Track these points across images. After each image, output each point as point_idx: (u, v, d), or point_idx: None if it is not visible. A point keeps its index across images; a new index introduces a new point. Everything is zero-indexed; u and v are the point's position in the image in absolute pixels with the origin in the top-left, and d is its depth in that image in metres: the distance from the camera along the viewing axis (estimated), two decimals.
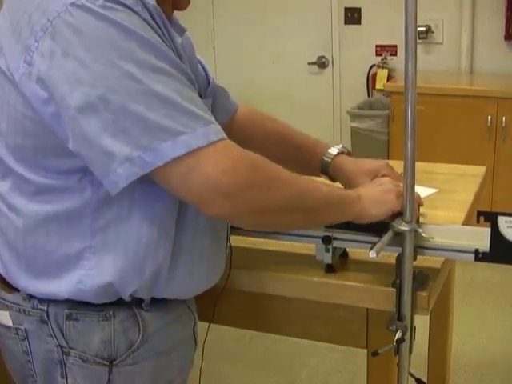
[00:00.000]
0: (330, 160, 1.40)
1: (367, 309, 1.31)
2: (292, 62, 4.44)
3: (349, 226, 1.28)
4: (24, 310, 1.13)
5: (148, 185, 1.03)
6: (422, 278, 1.24)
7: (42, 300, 1.12)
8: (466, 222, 1.52)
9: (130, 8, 0.98)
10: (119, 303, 1.11)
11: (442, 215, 1.51)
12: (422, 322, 1.46)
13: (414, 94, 1.09)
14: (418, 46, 1.09)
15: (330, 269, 1.31)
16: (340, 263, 1.33)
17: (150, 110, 0.95)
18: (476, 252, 1.20)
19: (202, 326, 1.31)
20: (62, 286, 1.09)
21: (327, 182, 1.40)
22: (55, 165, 1.05)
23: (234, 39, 4.52)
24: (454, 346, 2.21)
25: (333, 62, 4.38)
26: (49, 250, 1.08)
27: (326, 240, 1.28)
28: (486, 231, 1.19)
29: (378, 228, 1.23)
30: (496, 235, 1.18)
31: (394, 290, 1.21)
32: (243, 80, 4.32)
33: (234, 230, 1.28)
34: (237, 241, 1.32)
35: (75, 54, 0.96)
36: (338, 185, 1.39)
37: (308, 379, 2.77)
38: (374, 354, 1.22)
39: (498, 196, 3.61)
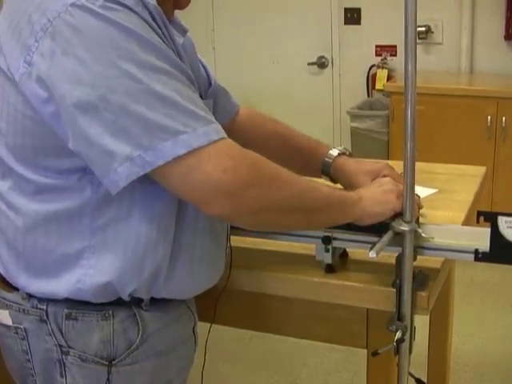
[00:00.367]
0: (331, 161, 1.40)
1: (367, 309, 1.31)
2: (292, 62, 4.44)
3: (349, 226, 1.29)
4: (23, 310, 1.13)
5: (148, 184, 1.03)
6: (422, 278, 1.24)
7: (41, 299, 1.12)
8: (466, 222, 1.52)
9: (130, 8, 0.99)
10: (118, 303, 1.12)
11: (441, 215, 1.51)
12: (421, 322, 1.46)
13: (413, 94, 1.09)
14: (418, 46, 1.09)
15: (329, 269, 1.31)
16: (340, 263, 1.33)
17: (150, 109, 0.96)
18: (476, 252, 1.20)
19: (202, 326, 1.31)
20: (61, 285, 1.09)
21: (328, 183, 1.40)
22: (55, 164, 1.05)
23: (233, 40, 4.52)
24: (454, 345, 2.21)
25: (333, 63, 4.38)
26: (48, 249, 1.08)
27: (326, 240, 1.28)
28: (486, 231, 1.19)
29: (377, 228, 1.23)
30: (496, 235, 1.18)
31: (394, 290, 1.21)
32: (243, 80, 4.32)
33: (234, 230, 1.28)
34: (237, 241, 1.32)
35: (75, 54, 0.96)
36: (339, 186, 1.40)
37: (308, 379, 2.77)
38: (374, 354, 1.22)
39: (497, 196, 3.61)
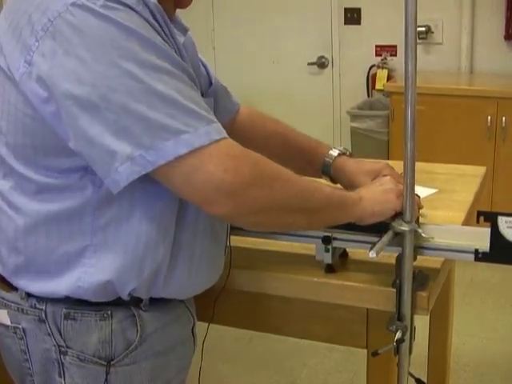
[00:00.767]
0: (331, 161, 1.40)
1: (367, 309, 1.31)
2: (292, 62, 4.44)
3: (349, 226, 1.29)
4: (22, 309, 1.13)
5: (148, 184, 1.03)
6: (422, 278, 1.24)
7: (40, 299, 1.12)
8: (466, 222, 1.52)
9: (130, 7, 0.99)
10: (117, 303, 1.12)
11: (441, 215, 1.51)
12: (421, 322, 1.46)
13: (413, 94, 1.09)
14: (418, 46, 1.09)
15: (329, 269, 1.31)
16: (340, 263, 1.33)
17: (151, 109, 0.96)
18: (476, 252, 1.20)
19: (201, 326, 1.31)
20: (61, 284, 1.09)
21: (328, 183, 1.40)
22: (56, 164, 1.05)
23: (233, 39, 4.52)
24: (454, 345, 2.21)
25: (333, 63, 4.38)
26: (49, 248, 1.08)
27: (326, 240, 1.28)
28: (486, 231, 1.19)
29: (377, 228, 1.23)
30: (496, 235, 1.18)
31: (394, 290, 1.21)
32: (243, 80, 4.32)
33: (234, 230, 1.28)
34: (237, 241, 1.32)
35: (76, 54, 0.96)
36: (339, 186, 1.39)
37: (308, 379, 2.77)
38: (374, 354, 1.22)
39: (497, 196, 3.61)
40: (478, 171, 1.86)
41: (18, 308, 1.14)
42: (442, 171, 1.80)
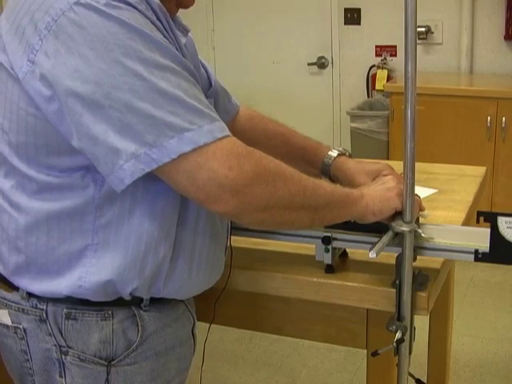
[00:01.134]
0: (330, 161, 1.40)
1: (367, 309, 1.31)
2: (292, 62, 4.44)
3: (349, 226, 1.29)
4: (23, 309, 1.13)
5: (150, 183, 1.04)
6: (422, 279, 1.24)
7: (41, 299, 1.12)
8: (466, 223, 1.52)
9: (133, 6, 0.99)
10: (118, 303, 1.12)
11: (441, 215, 1.51)
12: (421, 322, 1.46)
13: (413, 95, 1.09)
14: (418, 47, 1.09)
15: (329, 269, 1.31)
16: (340, 263, 1.33)
17: (155, 107, 0.96)
18: (476, 252, 1.20)
19: (202, 327, 1.31)
20: (62, 284, 1.09)
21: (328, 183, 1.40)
22: (58, 163, 1.05)
23: (233, 40, 4.52)
24: (454, 346, 2.21)
25: (332, 63, 4.38)
26: (50, 247, 1.08)
27: (326, 240, 1.28)
28: (486, 231, 1.19)
29: (377, 228, 1.23)
30: (496, 236, 1.18)
31: (394, 290, 1.21)
32: (243, 80, 4.33)
33: (234, 230, 1.28)
34: (237, 241, 1.32)
35: (79, 52, 0.96)
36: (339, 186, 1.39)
37: (308, 379, 2.77)
38: (374, 354, 1.22)
39: (497, 196, 3.61)
40: (477, 171, 1.86)
41: (18, 308, 1.14)
42: (441, 171, 1.80)
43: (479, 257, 1.20)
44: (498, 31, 3.94)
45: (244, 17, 4.48)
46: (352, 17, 4.25)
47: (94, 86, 0.96)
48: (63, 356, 1.13)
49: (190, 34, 1.21)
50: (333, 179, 1.41)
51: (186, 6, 1.17)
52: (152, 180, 1.01)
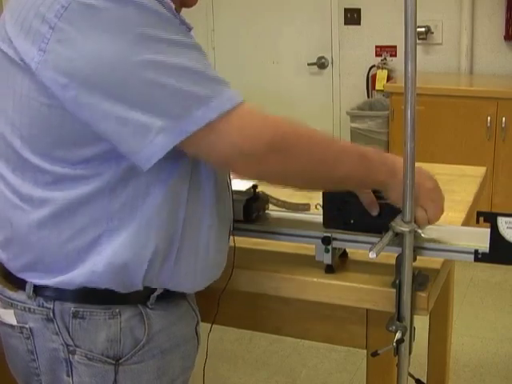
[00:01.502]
0: None
1: (367, 309, 1.31)
2: (292, 62, 4.45)
3: (349, 227, 1.29)
4: (29, 308, 1.13)
5: (164, 162, 1.04)
6: (422, 279, 1.24)
7: (47, 298, 1.12)
8: (466, 223, 1.52)
9: None
10: (125, 301, 1.12)
11: (441, 215, 1.51)
12: (421, 323, 1.46)
13: (413, 95, 1.09)
14: (418, 47, 1.09)
15: (329, 269, 1.31)
16: (340, 263, 1.33)
17: (178, 80, 0.98)
18: (475, 252, 1.20)
19: (203, 327, 1.31)
20: (75, 273, 1.09)
21: None
22: (73, 154, 1.05)
23: (233, 40, 4.52)
24: (454, 346, 2.21)
25: (332, 63, 4.38)
26: (64, 239, 1.08)
27: (326, 240, 1.28)
28: (486, 232, 1.19)
29: (377, 228, 1.23)
30: (496, 236, 1.18)
31: (394, 290, 1.21)
32: (243, 80, 4.32)
33: (234, 230, 1.28)
34: (237, 241, 1.31)
35: (94, 36, 0.97)
36: None
37: (307, 379, 2.77)
38: (374, 354, 1.22)
39: (497, 196, 3.61)
40: (477, 171, 1.86)
41: (24, 307, 1.14)
42: (441, 171, 1.80)
43: (479, 257, 1.20)
44: (498, 31, 3.94)
45: (244, 17, 4.48)
46: (352, 17, 4.25)
47: (112, 68, 0.97)
48: (70, 355, 1.13)
49: (192, 32, 1.21)
50: None
51: (190, 5, 1.18)
52: (165, 159, 1.02)
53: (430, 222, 1.22)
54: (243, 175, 1.07)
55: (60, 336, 1.12)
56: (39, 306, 1.12)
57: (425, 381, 1.40)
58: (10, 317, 1.16)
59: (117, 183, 1.06)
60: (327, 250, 1.29)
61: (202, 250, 1.16)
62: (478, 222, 1.20)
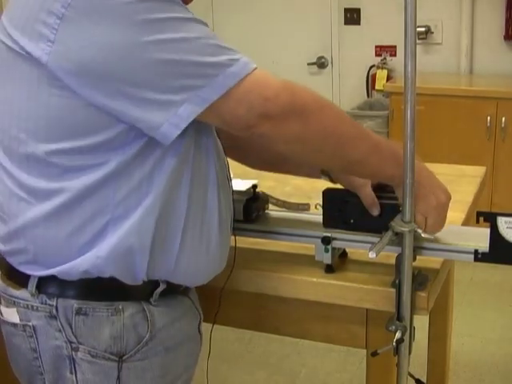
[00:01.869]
0: None
1: (366, 309, 1.31)
2: (291, 62, 4.44)
3: (349, 227, 1.29)
4: (32, 306, 1.13)
5: (162, 156, 1.07)
6: (422, 279, 1.24)
7: (50, 295, 1.12)
8: (466, 223, 1.52)
9: None
10: (128, 297, 1.12)
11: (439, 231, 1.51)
12: (421, 323, 1.46)
13: (413, 95, 1.09)
14: (418, 47, 1.09)
15: (329, 269, 1.31)
16: (339, 263, 1.33)
17: (192, 54, 1.01)
18: (475, 252, 1.20)
19: (203, 326, 1.31)
20: (79, 260, 1.09)
21: (328, 183, 1.39)
22: (80, 142, 1.05)
23: (233, 39, 4.49)
24: (454, 346, 2.21)
25: (332, 63, 4.38)
26: (70, 229, 1.08)
27: (326, 240, 1.28)
28: (486, 232, 1.19)
29: (377, 228, 1.23)
30: (495, 236, 1.18)
31: (394, 290, 1.21)
32: None
33: (234, 230, 1.28)
34: (237, 241, 1.31)
35: (103, 23, 0.98)
36: (339, 186, 1.39)
37: (307, 379, 2.77)
38: (374, 354, 1.22)
39: (497, 196, 3.61)
40: (477, 171, 1.86)
41: (27, 305, 1.14)
42: (441, 171, 1.79)
43: (479, 257, 1.20)
44: (498, 31, 3.94)
45: (244, 17, 4.48)
46: (352, 17, 4.25)
47: (124, 53, 0.98)
48: (74, 352, 1.13)
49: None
50: (333, 179, 1.41)
51: (187, 2, 1.18)
52: (168, 146, 1.05)
53: (426, 230, 1.22)
54: (259, 133, 1.06)
55: (63, 333, 1.12)
56: (42, 303, 1.12)
57: (425, 381, 1.41)
58: (12, 315, 1.16)
59: (123, 170, 1.06)
60: (327, 250, 1.29)
61: (204, 240, 1.16)
62: (477, 221, 1.20)
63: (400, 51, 4.09)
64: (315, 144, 1.11)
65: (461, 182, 1.76)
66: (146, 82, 1.00)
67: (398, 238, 1.19)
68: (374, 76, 4.21)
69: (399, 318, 1.20)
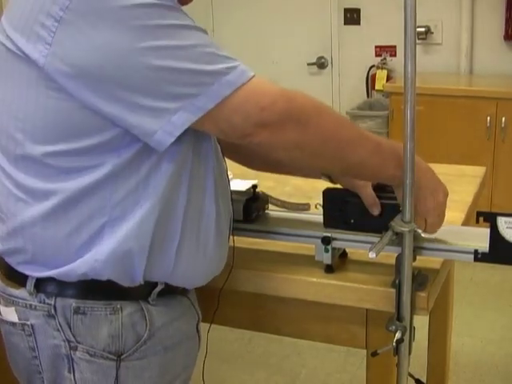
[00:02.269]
0: None
1: (366, 309, 1.31)
2: (291, 62, 4.44)
3: (349, 227, 1.29)
4: (30, 305, 1.13)
5: (159, 159, 1.06)
6: (422, 279, 1.24)
7: (49, 294, 1.12)
8: (466, 223, 1.52)
9: None
10: (126, 296, 1.12)
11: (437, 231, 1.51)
12: (421, 323, 1.46)
13: (413, 95, 1.09)
14: (418, 47, 1.09)
15: (329, 269, 1.31)
16: (339, 263, 1.33)
17: (188, 61, 1.00)
18: (475, 252, 1.20)
19: (202, 327, 1.31)
20: (78, 262, 1.09)
21: (328, 183, 1.39)
22: (77, 144, 1.05)
23: (233, 39, 4.51)
24: (454, 346, 2.21)
25: (332, 63, 4.38)
26: (68, 230, 1.08)
27: (326, 240, 1.28)
28: (486, 232, 1.19)
29: (377, 228, 1.23)
30: (495, 236, 1.18)
31: (394, 290, 1.21)
32: None
33: (234, 230, 1.28)
34: (236, 241, 1.31)
35: (100, 27, 0.98)
36: (339, 186, 1.39)
37: (307, 379, 2.77)
38: (374, 354, 1.22)
39: (497, 196, 3.61)
40: (477, 171, 1.86)
41: (26, 304, 1.14)
42: (441, 171, 1.79)
43: (479, 257, 1.20)
44: (498, 31, 3.94)
45: (244, 17, 4.48)
46: (352, 17, 4.25)
47: (120, 58, 0.98)
48: (72, 351, 1.13)
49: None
50: (332, 179, 1.41)
51: (185, 2, 1.18)
52: (166, 148, 1.04)
53: (425, 230, 1.22)
54: (256, 143, 1.06)
55: (61, 332, 1.12)
56: (40, 302, 1.12)
57: (424, 381, 1.41)
58: (11, 314, 1.16)
59: (119, 172, 1.06)
60: (327, 250, 1.29)
61: (202, 242, 1.16)
62: (477, 221, 1.20)
63: (400, 51, 4.09)
64: (314, 149, 1.10)
65: (461, 182, 1.75)
66: (141, 87, 1.00)
67: (398, 238, 1.19)
68: (373, 76, 4.21)
69: (399, 318, 1.20)
